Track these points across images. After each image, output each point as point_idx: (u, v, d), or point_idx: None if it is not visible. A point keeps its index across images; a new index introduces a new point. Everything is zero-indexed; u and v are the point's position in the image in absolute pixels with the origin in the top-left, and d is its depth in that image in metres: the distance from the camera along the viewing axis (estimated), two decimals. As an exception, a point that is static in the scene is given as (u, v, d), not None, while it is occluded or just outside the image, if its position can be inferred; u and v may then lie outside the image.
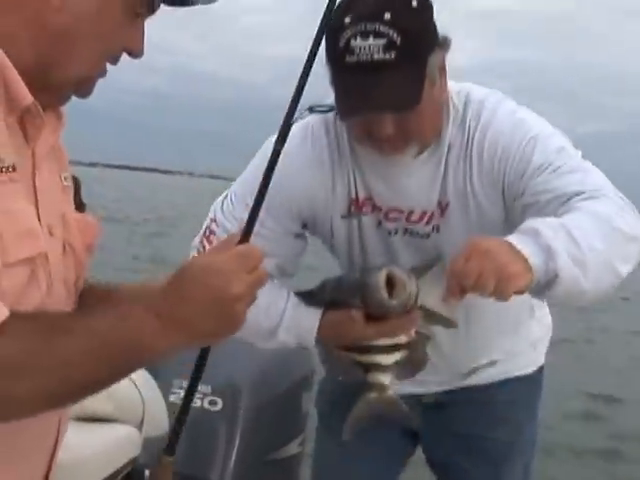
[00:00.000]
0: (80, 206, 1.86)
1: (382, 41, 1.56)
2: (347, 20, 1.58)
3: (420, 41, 1.62)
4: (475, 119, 1.78)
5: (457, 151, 1.79)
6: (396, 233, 1.86)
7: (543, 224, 1.53)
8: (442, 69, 1.70)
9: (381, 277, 1.51)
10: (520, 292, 1.48)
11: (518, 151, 1.72)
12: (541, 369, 2.20)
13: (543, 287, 1.51)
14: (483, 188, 1.78)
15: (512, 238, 1.50)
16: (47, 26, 1.12)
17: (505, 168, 1.74)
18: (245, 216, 1.56)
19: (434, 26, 1.66)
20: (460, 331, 1.83)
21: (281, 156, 1.53)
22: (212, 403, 2.60)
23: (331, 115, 1.82)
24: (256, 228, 1.60)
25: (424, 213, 1.82)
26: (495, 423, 2.14)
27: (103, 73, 1.20)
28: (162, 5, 1.21)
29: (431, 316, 1.67)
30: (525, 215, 1.66)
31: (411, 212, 1.82)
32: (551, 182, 1.67)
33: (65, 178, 1.29)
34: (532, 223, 1.55)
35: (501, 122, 1.77)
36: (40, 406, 1.04)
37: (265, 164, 1.46)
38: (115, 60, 1.20)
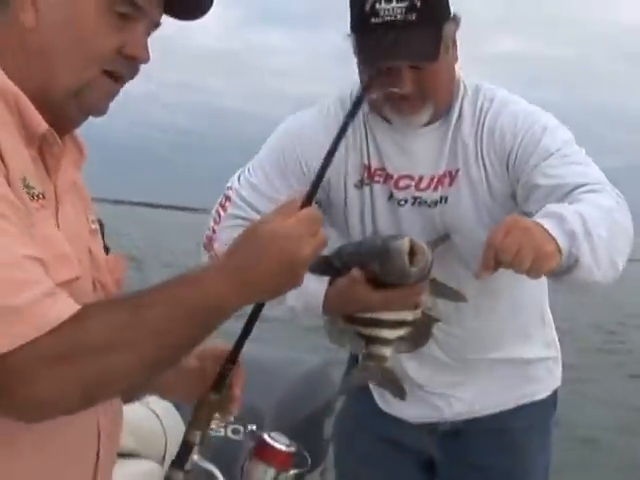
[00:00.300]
0: (105, 250, 1.90)
1: (404, 4, 1.72)
2: None
3: (437, 7, 1.78)
4: (488, 101, 1.90)
5: (468, 124, 1.89)
6: (405, 202, 1.92)
7: (566, 210, 1.60)
8: (454, 41, 1.84)
9: (405, 243, 1.54)
10: (551, 272, 1.55)
11: (528, 133, 1.83)
12: (555, 392, 2.20)
13: (563, 271, 1.58)
14: (492, 163, 1.87)
15: (540, 220, 1.56)
16: (28, 48, 1.14)
17: (513, 146, 1.84)
18: (262, 183, 1.90)
19: (447, 0, 1.83)
20: (469, 316, 1.96)
21: (297, 126, 1.91)
22: (235, 432, 2.60)
23: (347, 93, 1.96)
24: (270, 193, 1.88)
25: (432, 179, 1.90)
26: (512, 452, 2.13)
27: (105, 85, 1.19)
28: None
29: (441, 287, 1.71)
30: (529, 197, 1.78)
31: (421, 178, 1.90)
32: (557, 168, 1.76)
33: (92, 221, 1.32)
34: (555, 208, 1.62)
35: (514, 107, 1.89)
36: (142, 374, 1.09)
37: (281, 140, 1.91)
38: (115, 67, 1.19)
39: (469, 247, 1.87)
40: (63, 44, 1.14)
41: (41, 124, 1.13)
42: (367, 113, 1.93)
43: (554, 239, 1.52)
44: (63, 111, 1.18)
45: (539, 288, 2.10)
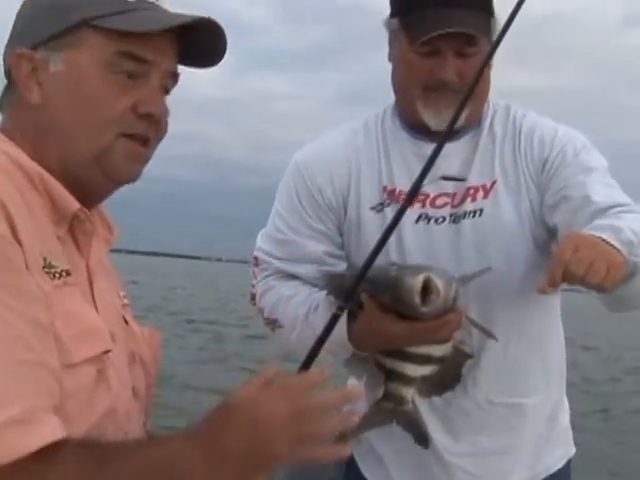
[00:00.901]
0: None
1: None
2: None
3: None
4: (521, 116, 1.90)
5: (501, 136, 1.87)
6: (443, 220, 1.84)
7: (617, 222, 1.61)
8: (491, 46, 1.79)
9: (418, 281, 1.48)
10: (620, 282, 1.54)
11: (567, 145, 1.82)
12: (570, 461, 2.06)
13: (625, 280, 1.56)
14: (530, 173, 1.83)
15: (597, 233, 1.55)
16: (40, 125, 1.15)
17: (551, 155, 1.82)
18: (279, 232, 1.92)
19: None
20: (497, 345, 1.82)
21: (303, 158, 1.93)
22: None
23: (381, 113, 1.95)
24: (292, 236, 1.90)
25: (466, 192, 1.84)
26: None
27: (127, 148, 1.17)
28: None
29: (472, 323, 1.65)
30: (557, 207, 1.76)
31: (455, 194, 1.84)
32: (593, 185, 1.74)
33: (123, 296, 1.33)
34: (605, 221, 1.62)
35: (551, 122, 1.90)
36: None
37: (288, 180, 1.92)
38: (132, 127, 1.16)
39: (504, 261, 1.82)
40: (73, 114, 1.14)
41: (72, 203, 1.14)
42: (387, 132, 1.92)
43: (618, 249, 1.53)
44: (89, 181, 1.17)
45: (561, 340, 2.03)
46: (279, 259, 1.89)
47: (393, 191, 1.85)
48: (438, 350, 1.57)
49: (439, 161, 1.67)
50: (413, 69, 1.78)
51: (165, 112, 1.20)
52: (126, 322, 1.26)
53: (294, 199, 1.90)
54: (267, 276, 1.91)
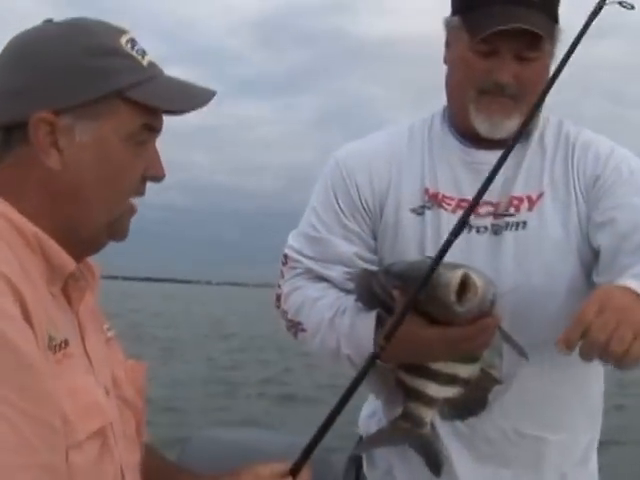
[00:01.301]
0: None
1: None
2: None
3: (556, 4, 1.72)
4: (575, 131, 1.80)
5: (553, 147, 1.78)
6: (486, 230, 1.73)
7: None
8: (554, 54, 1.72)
9: (455, 276, 1.37)
10: None
11: (623, 163, 1.72)
12: None
13: None
14: (581, 188, 1.73)
15: (635, 287, 1.41)
16: (54, 189, 1.11)
17: (605, 171, 1.72)
18: (312, 229, 1.81)
19: None
20: (531, 370, 1.67)
21: (343, 157, 1.83)
22: None
23: (429, 118, 1.87)
24: (325, 233, 1.80)
25: (510, 203, 1.74)
26: None
27: (132, 211, 1.20)
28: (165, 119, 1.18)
29: (505, 337, 1.48)
30: (603, 228, 1.65)
31: (498, 203, 1.73)
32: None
33: (107, 329, 1.30)
34: None
35: (605, 141, 1.79)
36: None
37: (326, 179, 1.83)
38: (140, 192, 1.20)
39: (546, 279, 1.71)
40: (96, 185, 1.13)
41: (69, 263, 1.12)
42: (434, 137, 1.83)
43: None
44: (92, 241, 1.18)
45: (600, 374, 1.86)
46: (310, 258, 1.80)
47: (436, 195, 1.76)
48: (465, 370, 1.45)
49: (484, 168, 1.62)
50: (470, 69, 1.70)
51: (165, 175, 1.21)
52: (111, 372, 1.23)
53: (330, 196, 1.82)
54: (295, 275, 1.81)
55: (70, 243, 1.13)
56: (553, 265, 1.72)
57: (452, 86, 1.79)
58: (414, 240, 1.76)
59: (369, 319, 1.62)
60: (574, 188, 1.75)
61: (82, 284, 1.18)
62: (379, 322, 1.60)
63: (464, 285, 1.37)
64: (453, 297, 1.37)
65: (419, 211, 1.78)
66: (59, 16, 1.21)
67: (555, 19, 1.71)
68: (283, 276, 1.83)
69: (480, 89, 1.71)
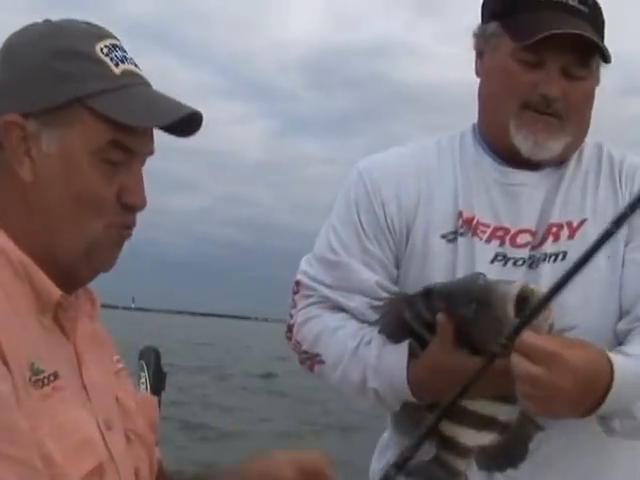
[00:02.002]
0: (160, 375, 2.12)
1: None
2: None
3: (601, 13, 1.57)
4: (621, 155, 1.65)
5: (595, 173, 1.62)
6: (523, 263, 1.55)
7: None
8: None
9: (514, 288, 1.24)
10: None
11: None
12: None
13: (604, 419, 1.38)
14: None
15: (618, 368, 1.31)
16: (29, 204, 1.06)
17: None
18: (326, 252, 1.61)
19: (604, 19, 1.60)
20: (578, 430, 1.49)
21: (365, 169, 1.64)
22: None
23: (457, 135, 1.70)
24: (345, 257, 1.60)
25: (548, 231, 1.56)
26: None
27: (113, 238, 1.11)
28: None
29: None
30: (626, 270, 1.53)
31: (536, 232, 1.56)
32: None
33: (117, 360, 1.25)
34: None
35: None
36: None
37: (346, 195, 1.63)
38: (122, 220, 1.11)
39: (589, 316, 1.50)
40: (63, 205, 1.06)
41: (54, 292, 1.07)
42: (466, 155, 1.65)
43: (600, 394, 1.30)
44: (74, 271, 1.11)
45: None
46: (327, 286, 1.61)
47: (471, 219, 1.57)
48: (504, 412, 1.31)
49: (522, 191, 1.54)
50: (513, 80, 1.54)
51: (144, 205, 1.12)
52: (117, 400, 1.17)
53: (352, 212, 1.63)
54: (310, 304, 1.63)
55: (51, 268, 1.07)
56: (596, 301, 1.52)
57: (489, 98, 1.62)
58: (444, 270, 1.54)
59: (400, 350, 1.46)
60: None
61: (72, 314, 1.10)
62: (411, 354, 1.45)
63: (523, 300, 1.22)
64: (511, 311, 1.23)
65: (450, 237, 1.57)
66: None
67: (601, 32, 1.56)
68: (295, 305, 1.66)
69: (524, 103, 1.54)
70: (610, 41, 1.54)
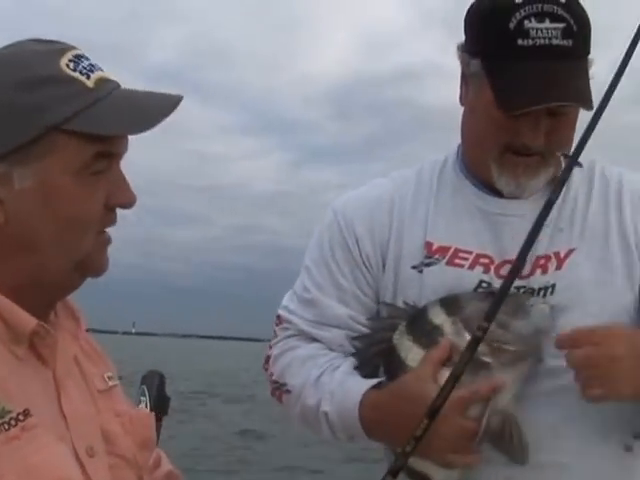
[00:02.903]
0: (163, 400, 2.10)
1: (561, 25, 1.41)
2: (517, 0, 1.43)
3: (589, 34, 1.48)
4: (618, 175, 1.59)
5: (585, 196, 1.57)
6: None
7: None
8: None
9: (547, 306, 1.38)
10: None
11: None
12: None
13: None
14: (617, 238, 1.52)
15: None
16: (7, 248, 1.02)
17: None
18: (304, 290, 1.63)
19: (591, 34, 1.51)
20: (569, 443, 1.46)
21: (339, 208, 1.64)
22: None
23: (440, 161, 1.67)
24: (318, 295, 1.61)
25: (537, 261, 1.51)
26: None
27: (105, 242, 1.09)
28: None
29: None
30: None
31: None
32: None
33: (109, 377, 1.21)
34: None
35: None
36: None
37: (322, 234, 1.64)
38: (110, 223, 1.09)
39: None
40: (50, 230, 1.02)
41: (28, 322, 1.02)
42: (445, 183, 1.62)
43: None
44: (63, 287, 1.09)
45: None
46: (305, 320, 1.63)
47: (445, 248, 1.55)
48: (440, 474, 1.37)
49: (505, 220, 1.52)
50: (495, 126, 1.49)
51: (135, 199, 1.09)
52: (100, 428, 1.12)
53: (326, 252, 1.63)
54: (287, 337, 1.65)
55: (34, 296, 1.04)
56: (610, 318, 1.46)
57: (471, 134, 1.58)
58: (417, 301, 1.52)
59: (366, 381, 1.48)
60: (607, 244, 1.51)
61: (49, 341, 1.05)
62: (377, 386, 1.46)
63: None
64: (551, 322, 1.37)
65: (420, 268, 1.55)
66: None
67: (588, 53, 1.49)
68: (275, 336, 1.67)
69: (505, 147, 1.50)
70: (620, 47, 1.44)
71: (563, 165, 1.50)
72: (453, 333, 1.44)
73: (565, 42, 1.42)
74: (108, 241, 1.11)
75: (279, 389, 1.63)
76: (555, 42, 1.41)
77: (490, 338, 1.34)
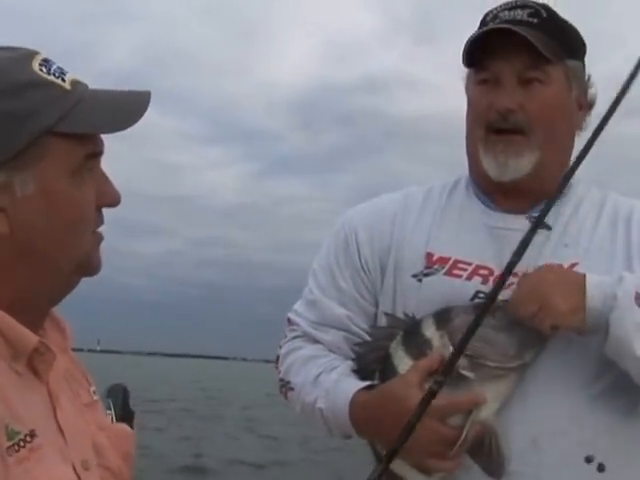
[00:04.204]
0: (127, 414, 2.12)
1: (529, 10, 1.56)
2: (496, 5, 1.60)
3: (566, 32, 1.59)
4: (627, 204, 1.63)
5: (595, 217, 1.60)
6: None
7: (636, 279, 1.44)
8: (582, 95, 1.62)
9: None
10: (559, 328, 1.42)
11: None
12: None
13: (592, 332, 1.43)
14: (622, 259, 1.55)
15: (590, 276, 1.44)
16: (11, 258, 1.02)
17: None
18: (312, 294, 1.72)
19: (579, 39, 1.63)
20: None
21: (350, 219, 1.75)
22: None
23: (452, 181, 1.74)
24: (319, 296, 1.71)
25: None
26: None
27: (99, 241, 1.10)
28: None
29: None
30: None
31: (525, 275, 1.52)
32: None
33: (94, 392, 1.21)
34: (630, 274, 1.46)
35: None
36: None
37: (332, 241, 1.73)
38: (99, 224, 1.10)
39: (576, 356, 1.50)
40: (54, 235, 1.03)
41: (30, 339, 1.02)
42: (454, 199, 1.69)
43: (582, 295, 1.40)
44: (64, 288, 1.09)
45: None
46: (307, 321, 1.72)
47: (445, 259, 1.60)
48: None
49: (506, 234, 1.55)
50: (476, 106, 1.60)
51: (120, 198, 1.11)
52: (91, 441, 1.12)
53: (331, 257, 1.74)
54: (294, 337, 1.74)
55: (32, 306, 1.05)
56: (591, 346, 1.48)
57: (466, 132, 1.66)
58: (413, 308, 1.58)
59: (359, 382, 1.55)
60: (627, 258, 1.54)
61: (48, 357, 1.05)
62: (370, 387, 1.53)
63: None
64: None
65: (420, 277, 1.60)
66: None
67: (562, 42, 1.57)
68: (285, 337, 1.76)
69: (487, 125, 1.57)
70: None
71: (572, 186, 1.60)
72: (440, 346, 1.48)
73: (530, 19, 1.55)
74: (101, 239, 1.12)
75: (285, 386, 1.72)
76: (519, 17, 1.55)
77: (471, 352, 1.37)
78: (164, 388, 28.42)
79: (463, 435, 1.39)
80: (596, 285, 1.43)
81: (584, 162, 1.38)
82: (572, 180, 1.57)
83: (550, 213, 1.52)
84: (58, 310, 1.17)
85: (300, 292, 1.83)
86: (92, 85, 1.10)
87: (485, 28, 1.58)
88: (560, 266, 1.50)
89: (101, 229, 1.12)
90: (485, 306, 1.31)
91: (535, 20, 1.56)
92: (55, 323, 1.16)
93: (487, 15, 1.61)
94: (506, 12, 1.58)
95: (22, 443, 0.96)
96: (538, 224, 1.38)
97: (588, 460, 1.49)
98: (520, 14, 1.56)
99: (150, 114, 1.06)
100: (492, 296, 1.33)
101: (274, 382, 1.76)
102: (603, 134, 1.34)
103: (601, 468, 1.48)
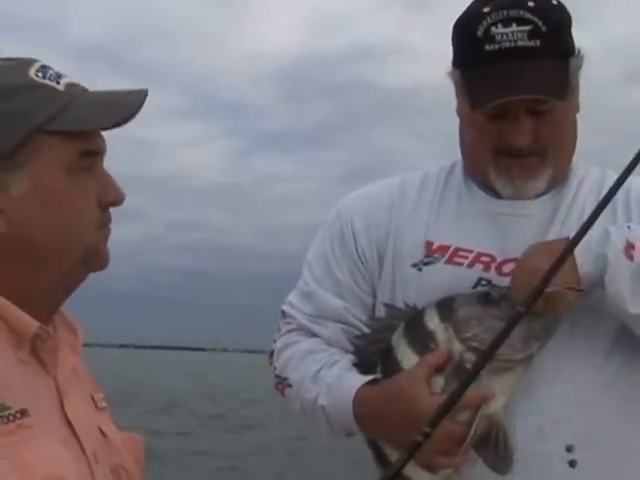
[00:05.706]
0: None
1: (527, 27, 1.46)
2: (486, 9, 1.49)
3: (564, 34, 1.52)
4: (612, 176, 1.56)
5: (595, 200, 1.50)
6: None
7: (629, 233, 1.44)
8: (576, 85, 1.56)
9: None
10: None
11: None
12: None
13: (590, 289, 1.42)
14: None
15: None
16: (11, 254, 1.05)
17: None
18: (307, 286, 1.67)
19: (570, 21, 1.55)
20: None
21: (345, 207, 1.70)
22: None
23: (448, 166, 1.70)
24: (315, 287, 1.67)
25: None
26: None
27: (104, 238, 1.13)
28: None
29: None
30: None
31: None
32: None
33: (101, 399, 1.23)
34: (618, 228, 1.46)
35: None
36: None
37: (326, 230, 1.69)
38: (104, 222, 1.13)
39: (580, 345, 1.49)
40: (47, 231, 1.05)
41: (31, 324, 1.04)
42: (451, 186, 1.66)
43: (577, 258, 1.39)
44: (70, 283, 1.12)
45: None
46: (303, 314, 1.68)
47: (445, 247, 1.57)
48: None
49: (508, 220, 1.54)
50: (480, 131, 1.54)
51: (124, 197, 1.14)
52: (103, 433, 1.15)
53: (326, 247, 1.70)
54: (289, 331, 1.69)
55: (39, 298, 1.07)
56: (595, 329, 1.49)
57: (464, 143, 1.63)
58: (413, 297, 1.55)
59: (361, 377, 1.52)
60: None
61: (50, 345, 1.07)
62: (373, 382, 1.50)
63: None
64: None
65: (420, 266, 1.58)
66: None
67: (565, 53, 1.52)
68: (279, 331, 1.72)
69: (496, 151, 1.53)
70: (615, 24, 1.44)
71: (572, 169, 1.60)
72: (445, 340, 1.45)
73: (532, 43, 1.47)
74: (108, 236, 1.15)
75: (281, 383, 1.67)
76: (521, 44, 1.46)
77: (479, 346, 1.36)
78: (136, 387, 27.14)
79: (472, 431, 1.38)
80: (585, 250, 1.41)
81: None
82: (572, 162, 1.62)
83: (553, 198, 1.56)
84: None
85: (289, 280, 1.81)
86: (59, 58, 1.09)
87: (485, 70, 1.49)
88: (542, 242, 1.48)
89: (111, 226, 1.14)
90: (518, 315, 1.29)
91: (538, 42, 1.47)
92: (68, 325, 1.19)
93: (476, 27, 1.49)
94: (501, 29, 1.47)
95: (11, 417, 0.98)
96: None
97: (593, 448, 1.48)
98: (520, 36, 1.47)
99: (124, 86, 1.10)
100: (528, 304, 1.30)
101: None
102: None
103: (603, 456, 1.47)
